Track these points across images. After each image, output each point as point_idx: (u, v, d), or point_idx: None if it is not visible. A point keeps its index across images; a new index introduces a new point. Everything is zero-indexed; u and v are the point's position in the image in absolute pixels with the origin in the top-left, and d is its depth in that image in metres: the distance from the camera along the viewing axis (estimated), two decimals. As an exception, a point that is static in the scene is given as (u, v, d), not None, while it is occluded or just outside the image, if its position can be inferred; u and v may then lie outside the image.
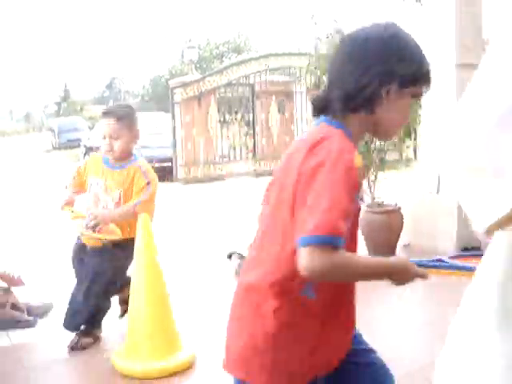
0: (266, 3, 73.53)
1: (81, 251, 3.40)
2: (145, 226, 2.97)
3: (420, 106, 5.05)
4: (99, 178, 3.31)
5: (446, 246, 5.04)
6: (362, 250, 5.25)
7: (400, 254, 5.17)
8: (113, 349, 3.17)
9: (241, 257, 4.75)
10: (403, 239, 5.35)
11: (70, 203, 3.34)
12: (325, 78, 5.10)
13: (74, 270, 3.43)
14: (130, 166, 3.27)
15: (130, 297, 3.01)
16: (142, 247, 2.96)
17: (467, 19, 5.12)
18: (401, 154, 5.79)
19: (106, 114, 3.31)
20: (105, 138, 3.25)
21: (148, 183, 3.21)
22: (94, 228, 3.18)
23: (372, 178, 5.08)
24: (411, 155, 9.02)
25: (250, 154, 14.08)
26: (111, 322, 3.65)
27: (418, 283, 1.52)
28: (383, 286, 1.60)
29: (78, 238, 3.41)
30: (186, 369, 2.95)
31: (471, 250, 4.95)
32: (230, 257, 4.93)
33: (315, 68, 5.00)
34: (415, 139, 6.22)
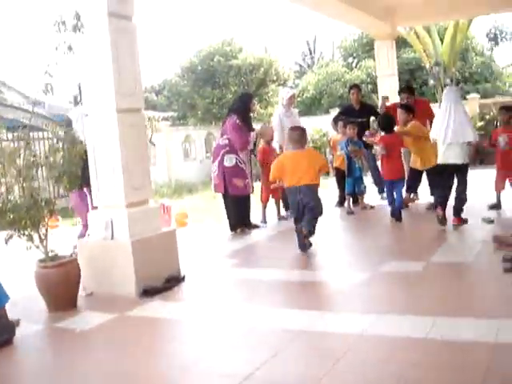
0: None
1: None
2: None
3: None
4: None
5: (127, 289, 5.08)
6: (41, 305, 4.95)
7: (83, 304, 5.03)
8: None
9: None
10: (85, 289, 5.25)
11: None
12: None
13: None
14: None
15: None
16: None
17: (125, 68, 5.30)
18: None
19: None
20: None
21: None
22: None
23: (43, 231, 4.87)
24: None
25: None
26: None
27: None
28: None
29: None
30: None
31: (151, 291, 5.06)
32: None
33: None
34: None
